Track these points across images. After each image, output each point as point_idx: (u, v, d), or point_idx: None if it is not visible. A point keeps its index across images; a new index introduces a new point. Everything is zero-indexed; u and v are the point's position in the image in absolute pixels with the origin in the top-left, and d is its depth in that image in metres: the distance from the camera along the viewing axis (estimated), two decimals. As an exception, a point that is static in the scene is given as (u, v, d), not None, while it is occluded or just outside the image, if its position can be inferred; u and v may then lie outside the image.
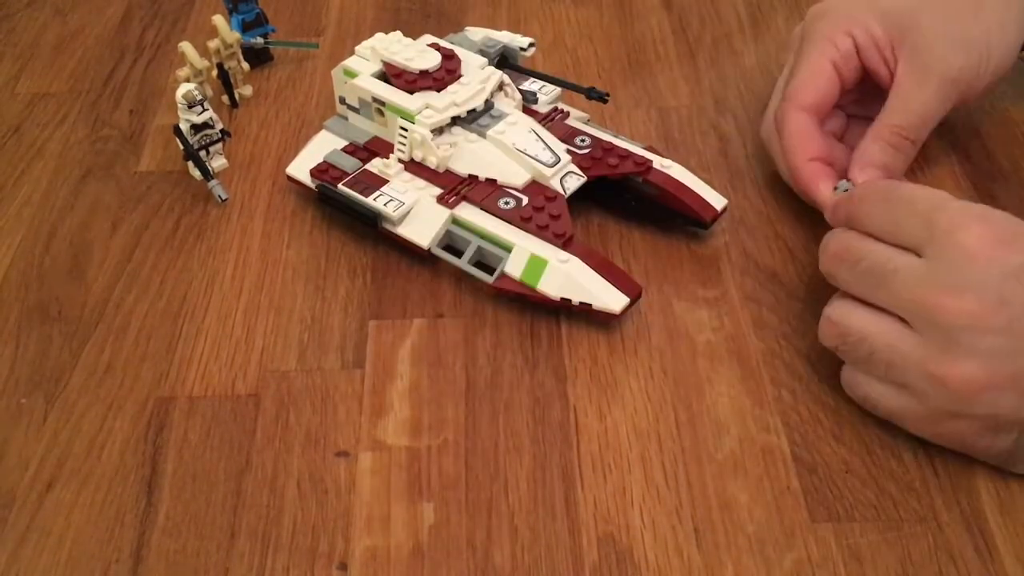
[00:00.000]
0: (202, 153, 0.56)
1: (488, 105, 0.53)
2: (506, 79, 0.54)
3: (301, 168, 0.54)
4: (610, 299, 0.47)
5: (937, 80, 0.51)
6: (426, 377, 0.47)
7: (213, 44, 0.61)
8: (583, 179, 0.51)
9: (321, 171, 0.53)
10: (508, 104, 0.54)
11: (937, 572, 0.39)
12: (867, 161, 0.50)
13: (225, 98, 0.62)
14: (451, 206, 0.50)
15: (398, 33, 0.55)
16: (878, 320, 0.42)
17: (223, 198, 0.55)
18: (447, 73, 0.53)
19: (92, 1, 0.72)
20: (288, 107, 0.62)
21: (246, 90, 0.63)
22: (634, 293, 0.47)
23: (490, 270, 0.49)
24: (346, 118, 0.56)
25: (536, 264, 0.48)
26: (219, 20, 0.61)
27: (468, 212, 0.50)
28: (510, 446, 0.44)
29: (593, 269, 0.47)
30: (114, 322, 0.50)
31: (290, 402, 0.46)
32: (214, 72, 0.62)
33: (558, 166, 0.51)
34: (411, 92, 0.52)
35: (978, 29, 0.51)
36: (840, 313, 0.43)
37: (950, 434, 0.41)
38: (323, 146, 0.55)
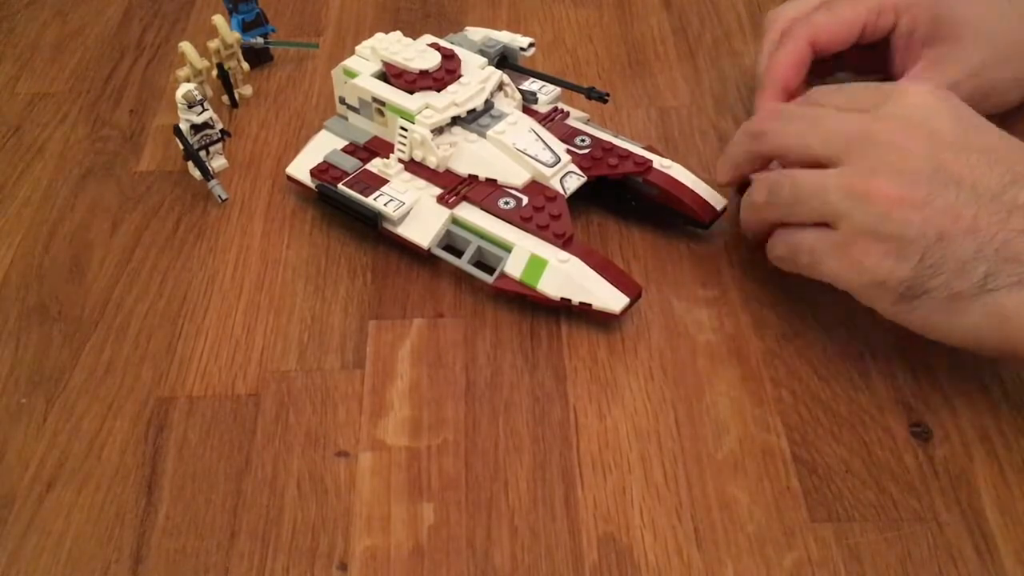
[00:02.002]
0: (202, 153, 0.56)
1: (488, 105, 0.53)
2: (506, 79, 0.54)
3: (301, 168, 0.54)
4: (610, 299, 0.47)
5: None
6: (426, 377, 0.47)
7: (213, 44, 0.61)
8: (583, 179, 0.51)
9: (321, 171, 0.53)
10: (508, 104, 0.54)
11: (937, 572, 0.39)
12: None
13: (225, 98, 0.62)
14: (451, 206, 0.50)
15: (398, 33, 0.55)
16: (804, 167, 0.45)
17: (223, 198, 0.55)
18: (447, 73, 0.53)
19: (92, 1, 0.72)
20: (288, 107, 0.62)
21: (246, 90, 0.63)
22: (634, 293, 0.47)
23: (490, 270, 0.49)
24: (346, 118, 0.56)
25: (536, 264, 0.48)
26: (219, 20, 0.61)
27: (468, 212, 0.50)
28: (510, 446, 0.44)
29: (593, 269, 0.47)
30: (114, 322, 0.50)
31: (290, 402, 0.46)
32: (214, 72, 0.62)
33: (558, 166, 0.51)
34: (411, 92, 0.52)
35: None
36: (770, 175, 0.46)
37: (860, 258, 0.42)
38: (323, 146, 0.55)
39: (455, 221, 0.50)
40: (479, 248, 0.49)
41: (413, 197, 0.51)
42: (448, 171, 0.52)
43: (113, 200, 0.57)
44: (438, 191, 0.51)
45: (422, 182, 0.52)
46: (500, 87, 0.54)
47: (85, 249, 0.54)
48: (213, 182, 0.55)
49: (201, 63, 0.60)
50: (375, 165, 0.52)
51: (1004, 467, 0.42)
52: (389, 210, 0.50)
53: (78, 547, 0.41)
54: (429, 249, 0.50)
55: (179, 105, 0.54)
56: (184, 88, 0.54)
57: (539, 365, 0.47)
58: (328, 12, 0.71)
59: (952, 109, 0.44)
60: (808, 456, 0.43)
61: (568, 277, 0.47)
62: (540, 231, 0.49)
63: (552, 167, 0.50)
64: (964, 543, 0.40)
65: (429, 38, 0.55)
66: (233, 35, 0.61)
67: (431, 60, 0.53)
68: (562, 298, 0.47)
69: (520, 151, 0.51)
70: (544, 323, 0.49)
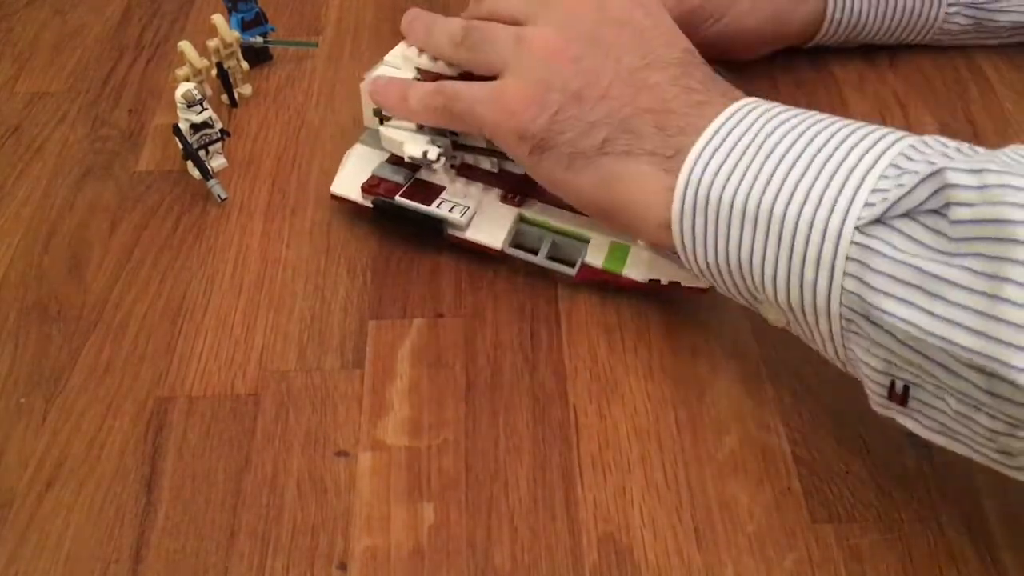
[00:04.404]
0: (201, 152, 0.56)
1: None
2: None
3: (347, 185, 0.53)
4: (697, 279, 0.47)
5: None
6: (426, 377, 0.47)
7: (212, 43, 0.61)
8: None
9: (373, 186, 0.52)
10: None
11: (937, 572, 0.39)
12: None
13: (224, 97, 0.62)
14: (517, 205, 0.50)
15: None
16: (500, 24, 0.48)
17: (222, 197, 0.55)
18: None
19: (91, 0, 0.72)
20: (288, 106, 0.62)
21: (245, 89, 0.63)
22: None
23: (566, 263, 0.49)
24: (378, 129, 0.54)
25: (618, 251, 0.49)
26: (218, 19, 0.61)
27: (535, 209, 0.50)
28: (510, 446, 0.44)
29: None
30: (113, 321, 0.50)
31: (290, 402, 0.46)
32: (213, 71, 0.62)
33: None
34: None
35: None
36: (448, 83, 0.49)
37: (508, 102, 0.45)
38: (363, 161, 0.54)
39: (523, 219, 0.50)
40: (554, 242, 0.50)
41: (476, 200, 0.51)
42: (503, 171, 0.51)
43: (112, 200, 0.56)
44: (498, 191, 0.51)
45: (479, 185, 0.51)
46: None
47: (84, 249, 0.54)
48: (212, 182, 0.55)
49: (200, 62, 0.60)
50: (425, 174, 0.52)
51: (1004, 467, 0.42)
52: (456, 215, 0.50)
53: (77, 547, 0.41)
54: (503, 250, 0.50)
55: (178, 104, 0.54)
56: (183, 87, 0.54)
57: (539, 365, 0.47)
58: (328, 11, 0.71)
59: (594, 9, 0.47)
60: (808, 456, 0.43)
61: (653, 258, 0.48)
62: None
63: None
64: (964, 543, 0.40)
65: None
66: (232, 34, 0.61)
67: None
68: (650, 280, 0.48)
69: None
70: (544, 323, 0.49)
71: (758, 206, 0.39)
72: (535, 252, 0.50)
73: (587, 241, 0.49)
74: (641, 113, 0.43)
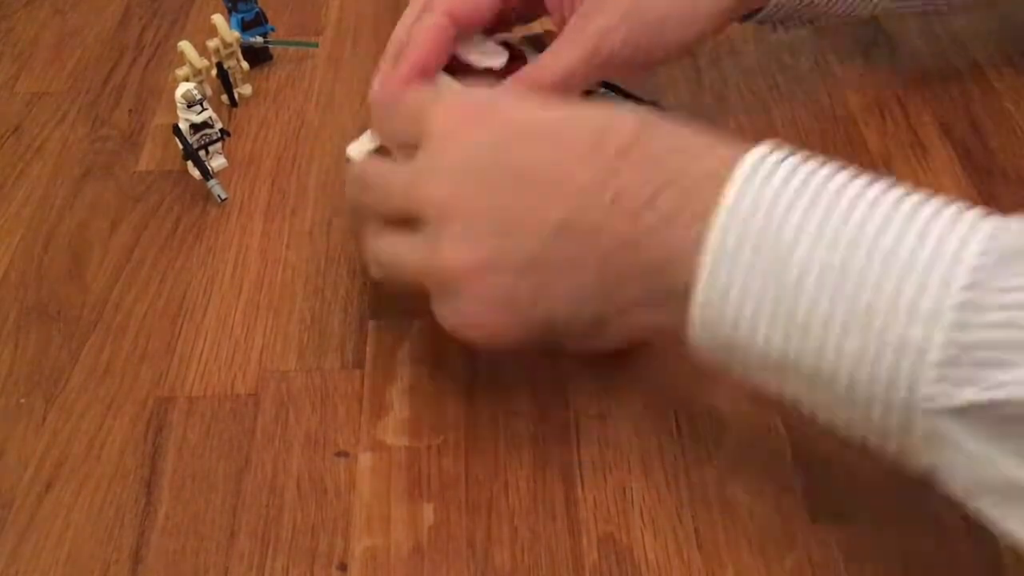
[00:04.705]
0: (201, 153, 0.56)
1: None
2: None
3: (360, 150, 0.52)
4: None
5: (592, 44, 0.47)
6: (426, 377, 0.47)
7: (212, 43, 0.61)
8: None
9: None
10: None
11: (937, 572, 0.39)
12: None
13: (224, 97, 0.62)
14: None
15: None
16: (396, 238, 0.41)
17: (222, 197, 0.55)
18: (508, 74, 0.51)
19: (91, 0, 0.72)
20: (288, 106, 0.62)
21: (245, 89, 0.63)
22: None
23: None
24: None
25: None
26: (218, 19, 0.61)
27: None
28: (510, 446, 0.44)
29: None
30: (113, 322, 0.50)
31: (290, 402, 0.46)
32: (213, 71, 0.62)
33: None
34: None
35: None
36: (377, 242, 0.43)
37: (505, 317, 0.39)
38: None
39: None
40: None
41: None
42: None
43: (112, 200, 0.56)
44: None
45: None
46: None
47: (84, 249, 0.54)
48: (212, 182, 0.55)
49: (200, 62, 0.60)
50: None
51: (1004, 467, 0.42)
52: None
53: (77, 547, 0.41)
54: None
55: (178, 104, 0.54)
56: (183, 87, 0.54)
57: (539, 365, 0.47)
58: (328, 11, 0.71)
59: (490, 133, 0.40)
60: (808, 456, 0.43)
61: None
62: None
63: None
64: (964, 543, 0.40)
65: (502, 36, 0.54)
66: (232, 34, 0.61)
67: (499, 58, 0.51)
68: None
69: None
70: (544, 323, 0.49)
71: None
72: None
73: None
74: (613, 271, 0.37)
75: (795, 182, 0.33)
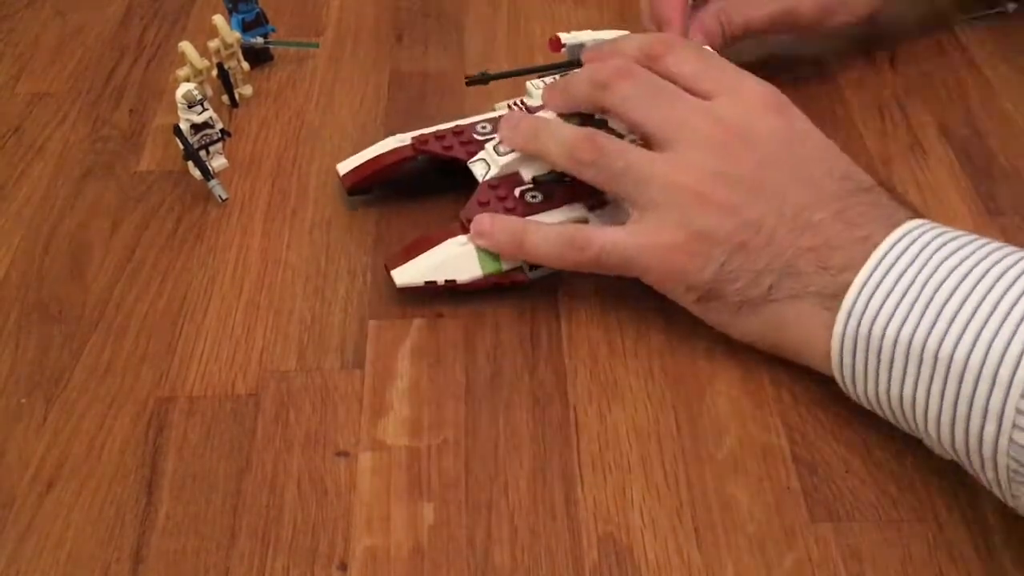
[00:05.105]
0: (202, 153, 0.56)
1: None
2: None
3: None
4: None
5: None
6: (426, 377, 0.47)
7: (213, 44, 0.61)
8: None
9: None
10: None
11: (937, 572, 0.39)
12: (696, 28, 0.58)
13: (225, 98, 0.62)
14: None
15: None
16: (632, 145, 0.46)
17: (223, 198, 0.55)
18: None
19: (92, 1, 0.72)
20: (288, 107, 0.62)
21: (246, 90, 0.63)
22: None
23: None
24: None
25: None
26: (219, 20, 0.61)
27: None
28: (510, 446, 0.44)
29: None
30: (114, 322, 0.50)
31: (290, 402, 0.46)
32: (214, 72, 0.62)
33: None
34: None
35: None
36: (602, 136, 0.47)
37: (670, 256, 0.44)
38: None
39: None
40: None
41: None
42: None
43: (113, 200, 0.56)
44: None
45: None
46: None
47: (85, 249, 0.54)
48: (213, 182, 0.55)
49: (201, 63, 0.60)
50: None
51: (1004, 467, 0.42)
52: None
53: (78, 547, 0.41)
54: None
55: (179, 105, 0.54)
56: (184, 88, 0.54)
57: (539, 365, 0.47)
58: (328, 12, 0.71)
59: (783, 116, 0.46)
60: (808, 456, 0.43)
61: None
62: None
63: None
64: (964, 543, 0.40)
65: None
66: (233, 35, 0.61)
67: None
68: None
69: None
70: (544, 323, 0.49)
71: (923, 346, 0.37)
72: None
73: None
74: (804, 253, 0.42)
75: (940, 240, 0.40)
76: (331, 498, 0.42)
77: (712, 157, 0.44)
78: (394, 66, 0.65)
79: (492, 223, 0.48)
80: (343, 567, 0.40)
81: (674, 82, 0.47)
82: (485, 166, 0.51)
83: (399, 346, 0.48)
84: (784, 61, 0.63)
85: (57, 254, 0.53)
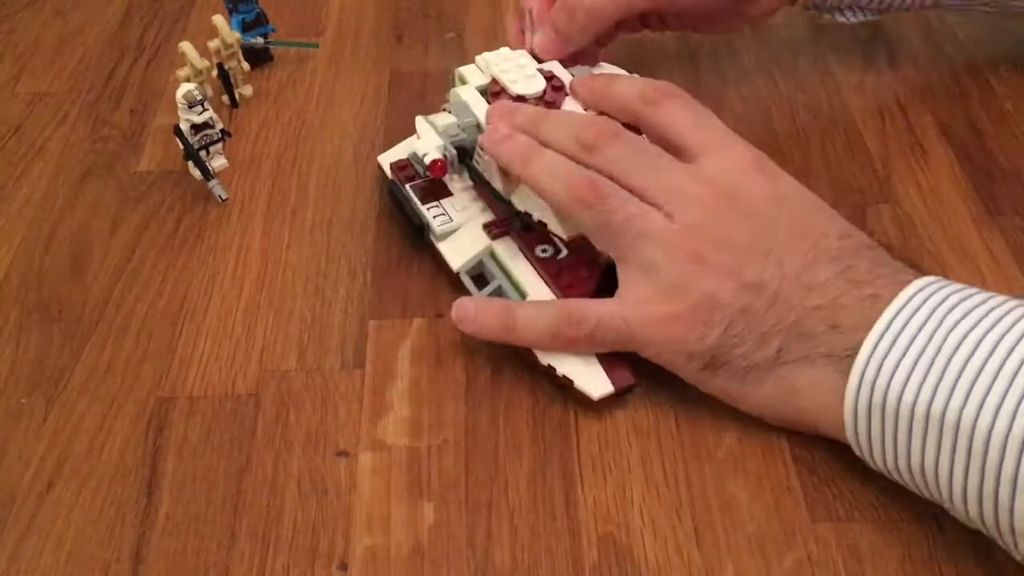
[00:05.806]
0: (202, 153, 0.56)
1: None
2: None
3: (388, 158, 0.55)
4: (592, 383, 0.44)
5: None
6: (426, 377, 0.47)
7: (213, 44, 0.61)
8: None
9: (400, 167, 0.53)
10: None
11: (937, 572, 0.39)
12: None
13: (225, 98, 0.62)
14: (493, 237, 0.50)
15: (521, 52, 0.53)
16: (633, 197, 0.44)
17: (223, 198, 0.55)
18: (546, 104, 0.51)
19: (92, 1, 0.72)
20: (288, 107, 0.63)
21: (246, 90, 0.63)
22: (621, 384, 0.45)
23: None
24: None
25: None
26: (219, 20, 0.61)
27: (505, 248, 0.50)
28: (510, 446, 0.44)
29: None
30: (114, 322, 0.50)
31: (290, 402, 0.46)
32: (214, 72, 0.62)
33: None
34: None
35: None
36: (605, 182, 0.45)
37: (669, 322, 0.43)
38: (424, 138, 0.52)
39: (491, 253, 0.50)
40: (499, 287, 0.48)
41: (464, 217, 0.51)
42: (510, 201, 0.50)
43: (113, 200, 0.57)
44: (490, 218, 0.51)
45: (480, 205, 0.51)
46: None
47: (85, 249, 0.54)
48: (213, 182, 0.55)
49: (201, 63, 0.60)
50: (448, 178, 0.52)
51: (1004, 467, 0.42)
52: (436, 223, 0.50)
53: (78, 547, 0.41)
54: (458, 273, 0.49)
55: (179, 105, 0.54)
56: (184, 88, 0.54)
57: (539, 365, 0.47)
58: (328, 12, 0.71)
59: (770, 178, 0.45)
60: (808, 456, 0.43)
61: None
62: (563, 291, 0.47)
63: None
64: (964, 543, 0.40)
65: (556, 66, 0.53)
66: (233, 35, 0.61)
67: (534, 87, 0.51)
68: (549, 364, 0.45)
69: None
70: (544, 323, 0.49)
71: (943, 413, 0.36)
72: (484, 286, 0.49)
73: (524, 296, 0.48)
74: (812, 312, 0.41)
75: (953, 298, 0.39)
76: (331, 498, 0.42)
77: (706, 219, 0.43)
78: (394, 66, 0.66)
79: (475, 309, 0.46)
80: (343, 567, 0.40)
81: (665, 132, 0.46)
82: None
83: (399, 346, 0.48)
84: (784, 61, 0.63)
85: (57, 254, 0.53)
